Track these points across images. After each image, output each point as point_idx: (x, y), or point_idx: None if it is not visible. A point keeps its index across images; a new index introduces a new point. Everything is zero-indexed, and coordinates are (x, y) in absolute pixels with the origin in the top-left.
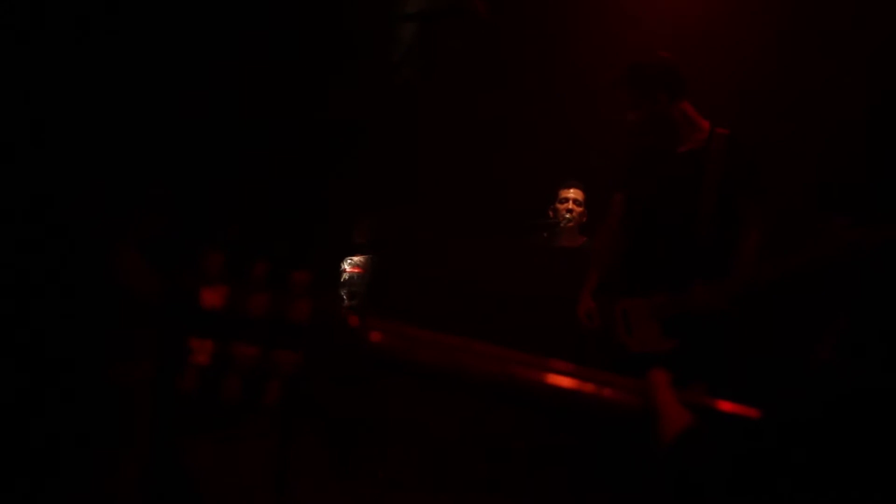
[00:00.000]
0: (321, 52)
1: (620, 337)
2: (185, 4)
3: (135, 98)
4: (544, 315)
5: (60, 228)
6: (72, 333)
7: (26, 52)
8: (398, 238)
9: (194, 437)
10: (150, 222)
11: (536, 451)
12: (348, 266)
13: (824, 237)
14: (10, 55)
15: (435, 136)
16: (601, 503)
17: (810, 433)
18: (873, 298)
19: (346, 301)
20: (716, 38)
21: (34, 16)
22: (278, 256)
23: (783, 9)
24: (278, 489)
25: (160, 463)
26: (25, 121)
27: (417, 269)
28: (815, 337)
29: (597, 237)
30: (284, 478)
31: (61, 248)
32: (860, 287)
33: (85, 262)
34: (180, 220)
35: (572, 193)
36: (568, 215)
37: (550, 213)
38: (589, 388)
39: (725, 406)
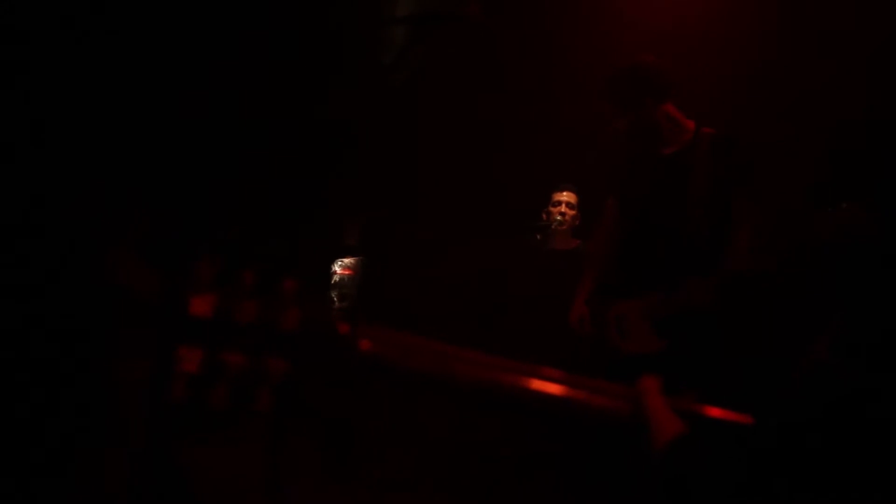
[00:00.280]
0: (310, 53)
1: (614, 340)
2: (184, 4)
3: (133, 98)
4: (537, 317)
5: (58, 228)
6: (67, 332)
7: (25, 52)
8: (389, 240)
9: (187, 439)
10: (148, 222)
11: (528, 456)
12: (339, 268)
13: (816, 225)
14: (10, 55)
15: (428, 137)
16: None
17: (807, 434)
18: (866, 293)
19: (336, 303)
20: (715, 39)
21: (34, 16)
22: (270, 259)
23: (783, 9)
24: (270, 491)
25: (152, 464)
26: (24, 120)
27: (408, 270)
28: (809, 337)
29: (590, 242)
30: (276, 480)
31: (58, 247)
32: (853, 280)
33: (82, 260)
34: (179, 220)
35: (565, 197)
36: (559, 218)
37: (544, 216)
38: (580, 395)
39: (716, 412)
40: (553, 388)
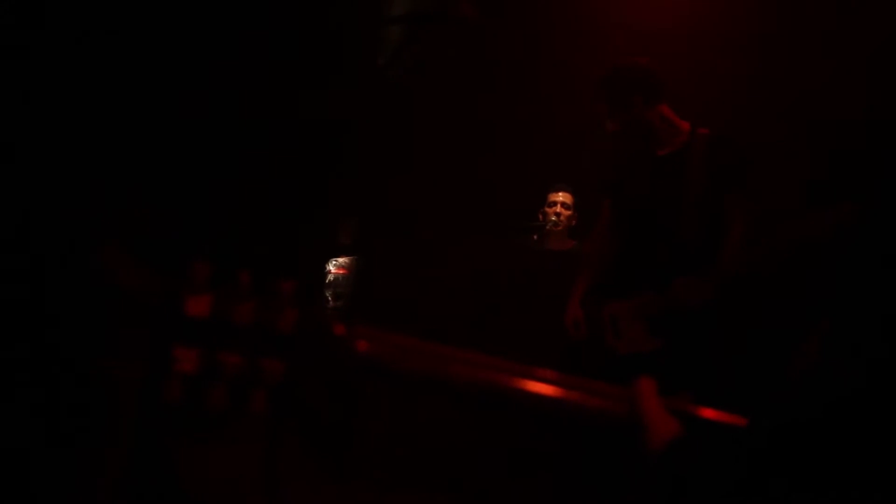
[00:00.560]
0: (309, 52)
1: (609, 341)
2: (183, 4)
3: (132, 98)
4: (533, 317)
5: (56, 228)
6: (64, 332)
7: (25, 52)
8: (384, 239)
9: (184, 440)
10: (146, 222)
11: (523, 457)
12: (333, 267)
13: (807, 219)
14: (9, 55)
15: (423, 138)
16: None
17: (801, 434)
18: (860, 292)
19: (331, 302)
20: (713, 38)
21: (33, 15)
22: (265, 260)
23: (782, 8)
24: (267, 492)
25: (146, 463)
26: (22, 120)
27: (404, 270)
28: (801, 336)
29: (586, 243)
30: (273, 481)
31: (56, 247)
32: (847, 279)
33: (79, 260)
34: (176, 220)
35: (561, 197)
36: (555, 218)
37: (540, 217)
38: (575, 396)
39: (711, 414)
40: (549, 389)
